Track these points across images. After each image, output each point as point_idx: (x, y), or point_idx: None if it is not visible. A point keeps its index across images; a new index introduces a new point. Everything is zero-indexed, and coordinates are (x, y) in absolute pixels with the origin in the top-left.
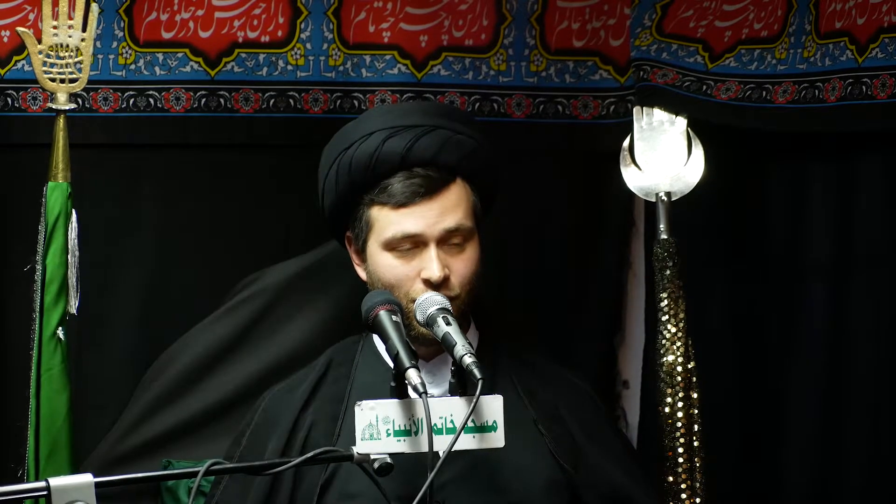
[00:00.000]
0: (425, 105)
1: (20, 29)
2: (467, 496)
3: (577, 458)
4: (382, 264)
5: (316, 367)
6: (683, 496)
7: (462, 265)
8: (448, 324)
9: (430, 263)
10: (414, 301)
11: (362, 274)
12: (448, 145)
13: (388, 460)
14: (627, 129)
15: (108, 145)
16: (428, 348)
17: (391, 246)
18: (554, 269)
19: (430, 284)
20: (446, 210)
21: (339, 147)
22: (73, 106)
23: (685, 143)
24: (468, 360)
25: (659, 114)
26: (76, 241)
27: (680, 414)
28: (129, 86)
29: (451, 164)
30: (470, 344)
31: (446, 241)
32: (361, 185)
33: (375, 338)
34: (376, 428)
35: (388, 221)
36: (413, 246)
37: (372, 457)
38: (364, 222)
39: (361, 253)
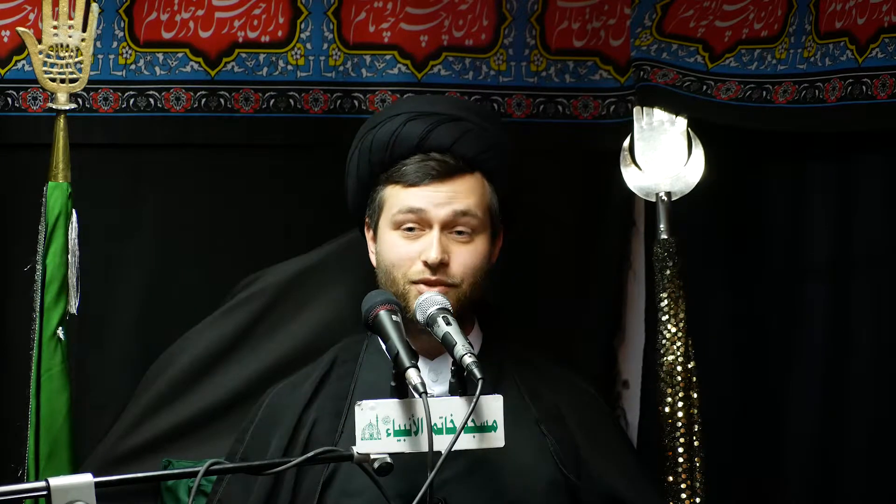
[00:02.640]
0: (455, 99)
1: (20, 29)
2: (468, 495)
3: (578, 462)
4: (387, 242)
5: (320, 365)
6: (683, 496)
7: (466, 254)
8: (448, 324)
9: (430, 245)
10: (412, 282)
11: (374, 260)
12: (467, 136)
13: (388, 460)
14: (627, 129)
15: (108, 145)
16: (430, 342)
17: (398, 223)
18: (554, 270)
19: (428, 266)
20: (457, 194)
21: (365, 129)
22: (73, 106)
23: (685, 143)
24: (468, 359)
25: (659, 114)
26: (76, 241)
27: (680, 414)
28: (130, 86)
29: (469, 156)
30: (470, 344)
31: (453, 226)
32: (380, 164)
33: None
34: (376, 428)
35: (397, 199)
36: (419, 227)
37: (372, 456)
38: (378, 202)
39: (374, 237)
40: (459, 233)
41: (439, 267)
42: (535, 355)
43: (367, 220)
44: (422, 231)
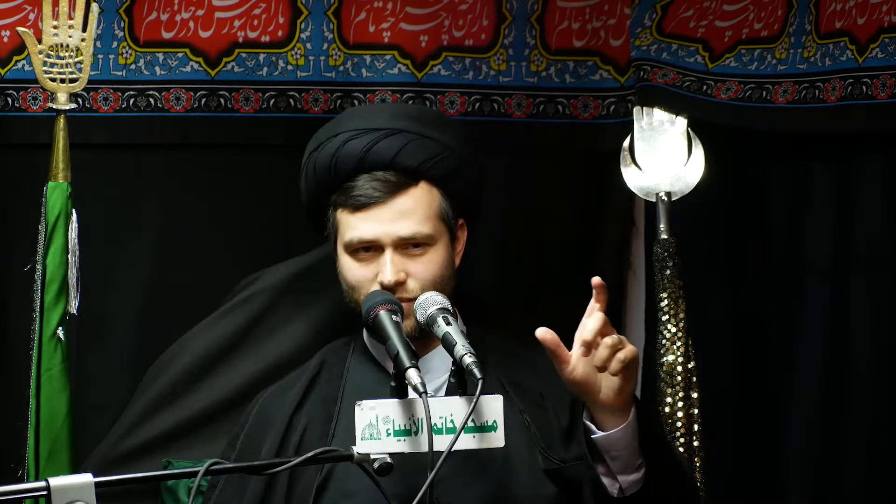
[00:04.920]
0: (395, 108)
1: (20, 29)
2: (461, 490)
3: (563, 442)
4: (345, 266)
5: (308, 368)
6: None
7: (422, 268)
8: (448, 324)
9: (384, 268)
10: None
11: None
12: (408, 148)
13: (388, 460)
14: (627, 129)
15: (108, 145)
16: (418, 341)
17: (350, 249)
18: (554, 269)
19: (385, 287)
20: (402, 215)
21: (310, 148)
22: (73, 106)
23: (685, 143)
24: (468, 359)
25: (659, 114)
26: (76, 241)
27: (680, 414)
28: (130, 86)
29: (412, 168)
30: (471, 343)
31: (404, 245)
32: (327, 185)
33: (367, 338)
34: (376, 428)
35: (347, 225)
36: (372, 249)
37: (372, 457)
38: (332, 225)
39: (335, 253)
40: (415, 246)
41: (396, 286)
42: (521, 347)
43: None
44: (376, 252)
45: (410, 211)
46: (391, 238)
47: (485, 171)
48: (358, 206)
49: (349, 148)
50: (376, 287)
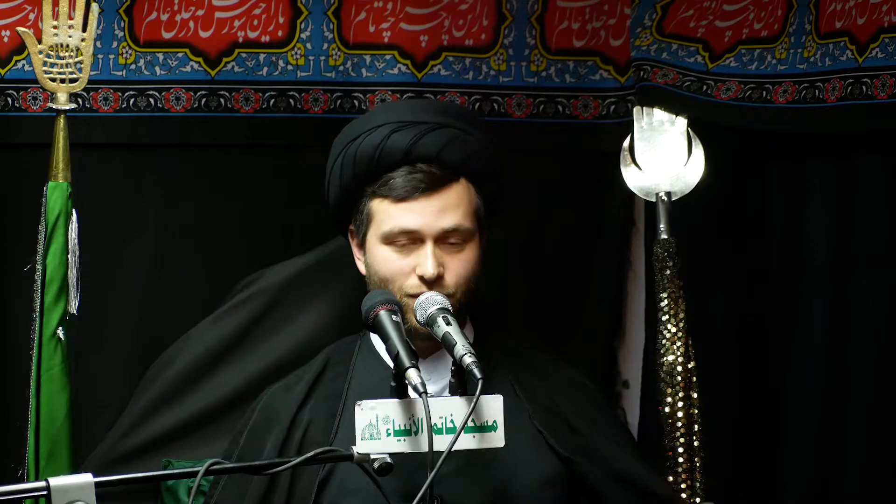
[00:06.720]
0: (435, 103)
1: (20, 29)
2: (464, 491)
3: (575, 447)
4: (379, 257)
5: (313, 366)
6: (683, 496)
7: (459, 264)
8: (448, 324)
9: (426, 260)
10: (408, 296)
11: (362, 267)
12: (453, 144)
13: (388, 460)
14: (627, 129)
15: (108, 145)
16: (424, 343)
17: (389, 239)
18: (554, 269)
19: (424, 281)
20: (446, 208)
21: (345, 139)
22: (73, 106)
23: (685, 143)
24: (468, 359)
25: (659, 114)
26: (76, 241)
27: (680, 414)
28: (130, 86)
29: (455, 163)
30: (470, 343)
31: (444, 239)
32: (365, 177)
33: (374, 337)
34: (376, 428)
35: (387, 215)
36: (410, 241)
37: (372, 456)
38: (365, 214)
39: (361, 246)
40: (452, 243)
41: (436, 280)
42: (528, 348)
43: (351, 227)
44: (414, 245)
45: (454, 205)
46: (434, 230)
47: (507, 177)
48: (402, 197)
49: (395, 139)
50: (414, 280)
